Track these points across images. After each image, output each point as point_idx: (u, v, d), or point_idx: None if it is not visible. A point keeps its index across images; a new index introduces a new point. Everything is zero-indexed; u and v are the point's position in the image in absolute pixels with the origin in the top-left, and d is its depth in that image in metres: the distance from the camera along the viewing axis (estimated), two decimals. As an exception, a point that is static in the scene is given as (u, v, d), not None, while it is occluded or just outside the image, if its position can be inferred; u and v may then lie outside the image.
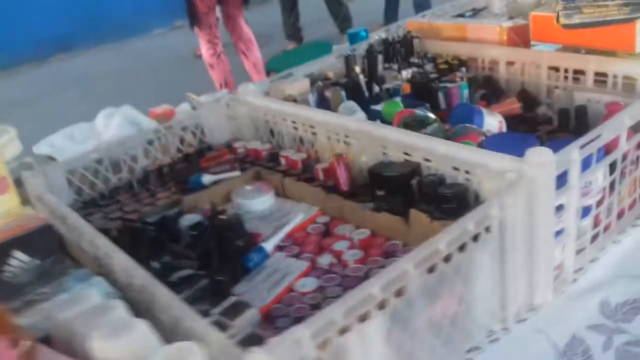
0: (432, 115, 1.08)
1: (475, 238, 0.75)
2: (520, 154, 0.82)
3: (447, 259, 0.72)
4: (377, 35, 1.50)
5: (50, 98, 4.57)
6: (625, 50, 1.15)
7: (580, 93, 1.15)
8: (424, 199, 0.90)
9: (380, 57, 1.35)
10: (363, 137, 1.02)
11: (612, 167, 0.92)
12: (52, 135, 2.53)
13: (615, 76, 1.10)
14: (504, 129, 1.12)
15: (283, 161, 1.16)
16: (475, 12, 1.86)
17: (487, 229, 0.76)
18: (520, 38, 1.34)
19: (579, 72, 1.17)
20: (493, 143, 0.99)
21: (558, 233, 0.88)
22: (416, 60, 1.37)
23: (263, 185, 1.08)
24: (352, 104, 1.24)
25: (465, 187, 0.86)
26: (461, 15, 1.82)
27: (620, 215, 0.99)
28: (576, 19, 1.14)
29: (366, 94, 1.30)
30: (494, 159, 0.84)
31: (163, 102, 1.92)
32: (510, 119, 1.17)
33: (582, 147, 0.83)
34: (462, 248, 0.73)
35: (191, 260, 0.83)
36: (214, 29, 3.13)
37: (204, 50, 3.32)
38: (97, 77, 4.97)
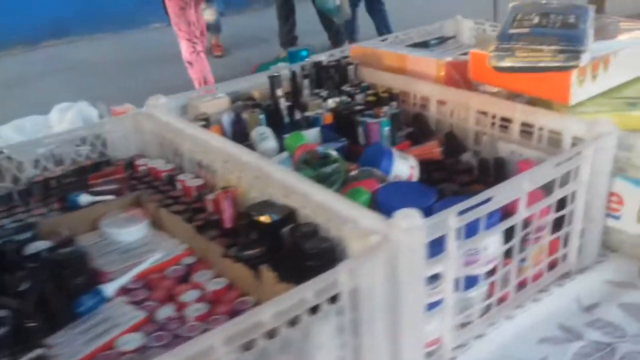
0: (334, 154, 0.98)
1: (315, 309, 0.65)
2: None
3: (271, 334, 0.62)
4: (320, 57, 1.40)
5: (39, 82, 4.52)
6: (559, 102, 1.05)
7: (505, 143, 1.05)
8: (294, 251, 0.80)
9: (306, 82, 1.25)
10: (251, 171, 0.92)
11: (511, 232, 0.82)
12: (2, 125, 2.45)
13: (540, 129, 1.00)
14: (416, 176, 1.02)
15: (179, 185, 1.06)
16: (442, 41, 1.76)
17: (334, 299, 0.66)
18: (461, 75, 1.24)
19: (508, 120, 1.06)
20: (387, 193, 0.89)
21: (436, 304, 0.78)
22: (348, 89, 1.28)
23: (138, 213, 0.98)
24: (263, 130, 1.15)
25: (332, 245, 0.76)
26: (425, 43, 1.73)
27: (521, 286, 0.88)
28: (507, 62, 1.04)
29: (286, 119, 1.21)
30: (364, 216, 0.74)
31: (148, 96, 1.79)
32: (430, 164, 1.07)
33: (463, 212, 0.73)
34: (295, 321, 0.63)
35: (10, 299, 0.73)
36: (192, 27, 3.03)
37: (183, 48, 3.22)
38: (89, 65, 4.92)
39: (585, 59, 0.99)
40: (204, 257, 0.88)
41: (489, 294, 0.84)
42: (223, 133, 1.19)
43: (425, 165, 1.06)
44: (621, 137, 0.93)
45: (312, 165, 0.96)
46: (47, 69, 4.88)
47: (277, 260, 0.77)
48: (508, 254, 0.83)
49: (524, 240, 0.84)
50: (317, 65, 1.30)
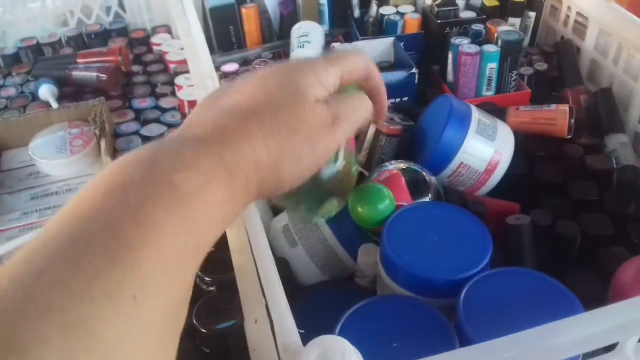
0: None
1: None
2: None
3: None
4: None
5: None
6: None
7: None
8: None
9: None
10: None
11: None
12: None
13: None
14: (502, 168, 0.60)
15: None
16: None
17: None
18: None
19: None
20: (403, 226, 0.51)
21: None
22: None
23: (88, 136, 0.71)
24: (308, 28, 0.76)
25: None
26: None
27: None
28: None
29: (356, 13, 0.80)
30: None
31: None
32: (543, 144, 0.64)
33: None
34: None
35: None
36: None
37: None
38: None
39: None
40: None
41: None
42: (262, 17, 0.83)
43: (535, 145, 0.64)
44: None
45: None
46: None
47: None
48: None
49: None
50: None
